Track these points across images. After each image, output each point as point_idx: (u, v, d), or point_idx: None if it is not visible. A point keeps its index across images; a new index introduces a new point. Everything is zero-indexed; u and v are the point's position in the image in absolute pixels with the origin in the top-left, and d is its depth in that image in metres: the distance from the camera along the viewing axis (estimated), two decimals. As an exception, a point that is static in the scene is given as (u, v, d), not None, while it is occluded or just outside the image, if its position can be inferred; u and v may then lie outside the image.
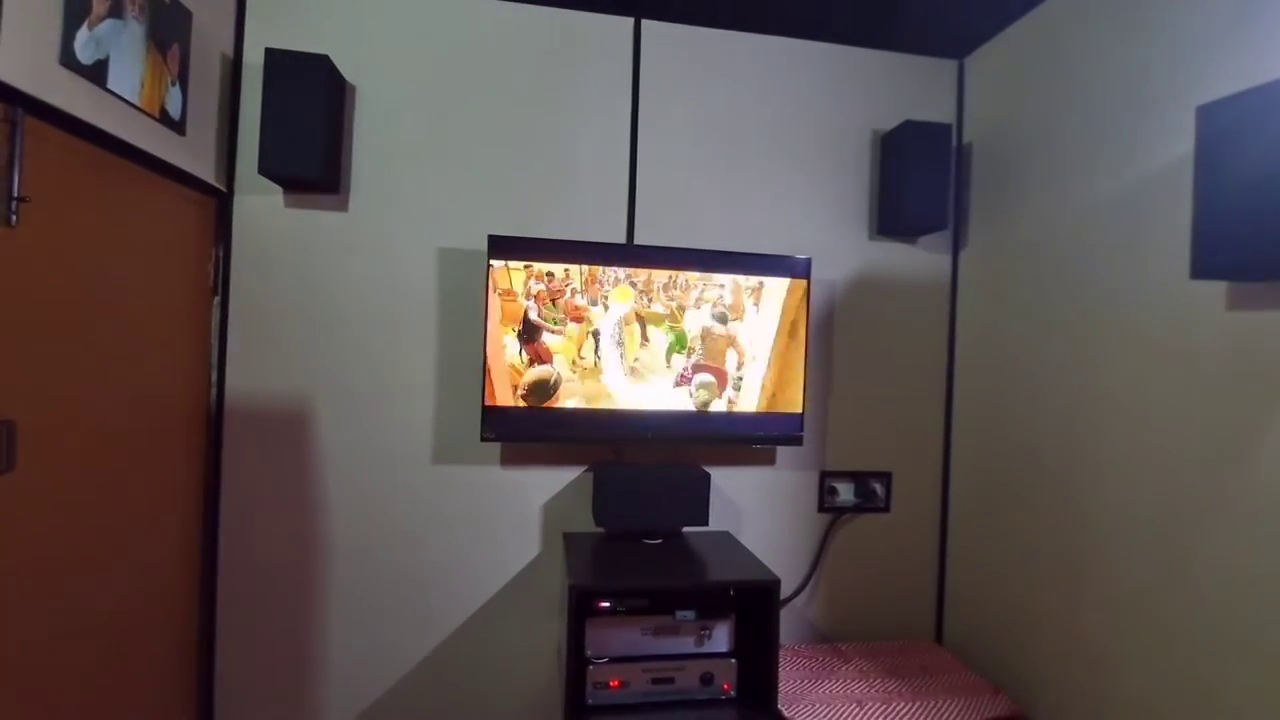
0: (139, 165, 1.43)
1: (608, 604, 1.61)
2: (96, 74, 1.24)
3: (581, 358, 1.79)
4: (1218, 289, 1.30)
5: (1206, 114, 1.24)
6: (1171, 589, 1.37)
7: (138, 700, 1.49)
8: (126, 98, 1.32)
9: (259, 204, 1.76)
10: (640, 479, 1.79)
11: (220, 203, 1.73)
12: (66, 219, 1.23)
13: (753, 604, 1.64)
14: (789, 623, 2.02)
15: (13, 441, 1.09)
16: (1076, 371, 1.64)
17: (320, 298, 1.79)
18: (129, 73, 1.33)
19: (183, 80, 1.52)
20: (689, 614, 1.61)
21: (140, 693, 1.50)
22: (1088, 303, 1.61)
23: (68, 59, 1.17)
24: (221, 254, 1.73)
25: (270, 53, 1.62)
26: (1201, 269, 1.23)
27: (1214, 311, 1.30)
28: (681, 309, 1.84)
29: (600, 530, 1.87)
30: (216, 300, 1.73)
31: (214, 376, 1.73)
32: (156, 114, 1.43)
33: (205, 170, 1.65)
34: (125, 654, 1.44)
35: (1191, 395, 1.34)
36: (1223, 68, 1.32)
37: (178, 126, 1.51)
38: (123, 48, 1.30)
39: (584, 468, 1.93)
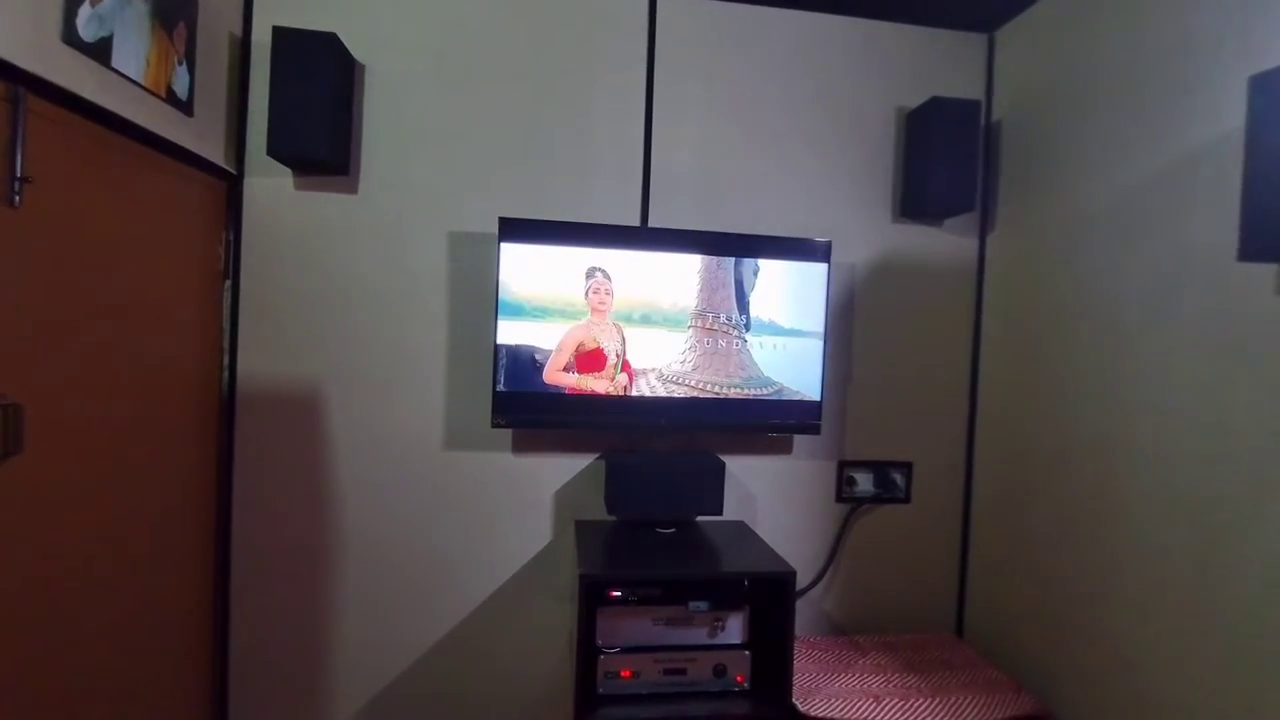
0: (146, 146, 1.41)
1: (619, 593, 1.58)
2: (100, 52, 1.22)
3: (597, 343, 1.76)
4: (1267, 272, 1.22)
5: (1259, 85, 1.15)
6: (1205, 587, 1.31)
7: (152, 683, 1.50)
8: (131, 77, 1.30)
9: (269, 186, 1.74)
10: (653, 467, 1.76)
11: (231, 185, 1.72)
12: (72, 200, 1.21)
13: (767, 595, 1.60)
14: (805, 614, 1.98)
15: (20, 424, 1.08)
16: (1110, 359, 1.56)
17: (331, 281, 1.77)
18: (134, 51, 1.30)
19: (190, 60, 1.50)
20: (702, 605, 1.58)
21: (154, 675, 1.51)
22: (1124, 288, 1.54)
23: (70, 36, 1.15)
24: (232, 237, 1.72)
25: (277, 31, 1.59)
26: (1250, 250, 1.15)
27: (1263, 296, 1.22)
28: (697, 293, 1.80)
29: (612, 519, 1.84)
30: (227, 284, 1.72)
31: (225, 360, 1.72)
32: (163, 94, 1.41)
33: (214, 152, 1.63)
34: (139, 637, 1.45)
35: (1236, 385, 1.27)
36: (1276, 35, 1.23)
37: (185, 107, 1.49)
38: (127, 25, 1.28)
39: (596, 455, 1.90)
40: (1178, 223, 1.41)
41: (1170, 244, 1.42)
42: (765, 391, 1.84)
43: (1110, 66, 1.60)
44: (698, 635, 1.58)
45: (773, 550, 1.69)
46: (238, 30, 1.70)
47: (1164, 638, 1.39)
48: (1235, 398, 1.27)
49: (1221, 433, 1.29)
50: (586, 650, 1.52)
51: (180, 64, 1.47)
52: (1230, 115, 1.29)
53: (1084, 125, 1.68)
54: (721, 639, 1.59)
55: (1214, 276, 1.32)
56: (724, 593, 1.60)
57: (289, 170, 1.74)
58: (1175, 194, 1.42)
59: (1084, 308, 1.65)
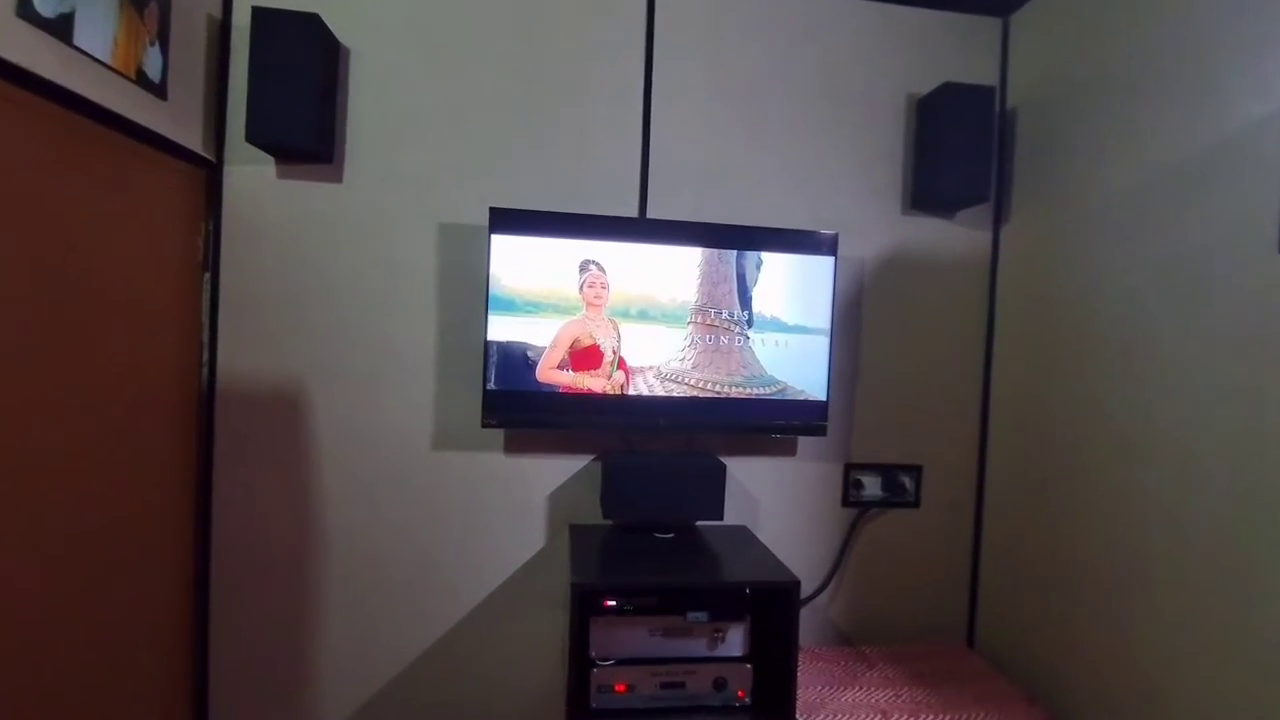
0: (116, 131, 1.34)
1: (614, 602, 1.50)
2: (61, 29, 1.15)
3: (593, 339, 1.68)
4: (1309, 264, 1.14)
5: (1303, 61, 1.07)
6: (1234, 600, 1.22)
7: (129, 690, 1.44)
8: (97, 56, 1.23)
9: (250, 175, 1.67)
10: (651, 469, 1.68)
11: (210, 174, 1.65)
12: (33, 185, 1.14)
13: (770, 605, 1.53)
14: (809, 624, 1.91)
15: (-31, 424, 1.02)
16: (1132, 356, 1.48)
17: (315, 274, 1.70)
18: (99, 29, 1.23)
19: (163, 41, 1.42)
20: (701, 615, 1.50)
21: (131, 683, 1.44)
22: (1146, 282, 1.45)
23: (26, 11, 1.08)
24: (212, 228, 1.65)
25: (257, 11, 1.52)
26: (1293, 240, 1.07)
27: (1304, 290, 1.14)
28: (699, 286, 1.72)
29: (608, 523, 1.77)
30: (207, 276, 1.65)
31: (205, 356, 1.65)
32: (132, 75, 1.33)
33: (191, 139, 1.55)
34: (114, 643, 1.38)
35: (1272, 385, 1.18)
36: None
37: (158, 90, 1.42)
38: (91, 2, 1.21)
39: (592, 456, 1.83)
40: (1209, 213, 1.32)
41: (1196, 235, 1.34)
42: (768, 391, 1.76)
43: (1130, 51, 1.51)
44: (696, 647, 1.51)
45: (775, 557, 1.61)
46: (216, 11, 1.62)
47: (1189, 650, 1.31)
48: (1269, 395, 1.18)
49: (1254, 432, 1.21)
50: (579, 662, 1.45)
51: (152, 45, 1.39)
52: (1266, 96, 1.21)
53: (1103, 112, 1.59)
54: (721, 651, 1.51)
55: (1246, 269, 1.23)
56: (724, 602, 1.53)
57: (271, 158, 1.67)
58: (1201, 183, 1.33)
59: (1104, 303, 1.56)
